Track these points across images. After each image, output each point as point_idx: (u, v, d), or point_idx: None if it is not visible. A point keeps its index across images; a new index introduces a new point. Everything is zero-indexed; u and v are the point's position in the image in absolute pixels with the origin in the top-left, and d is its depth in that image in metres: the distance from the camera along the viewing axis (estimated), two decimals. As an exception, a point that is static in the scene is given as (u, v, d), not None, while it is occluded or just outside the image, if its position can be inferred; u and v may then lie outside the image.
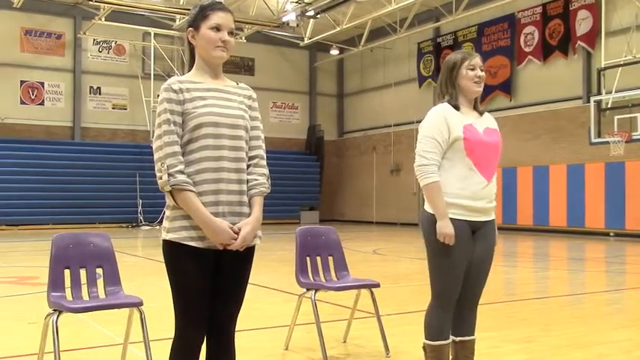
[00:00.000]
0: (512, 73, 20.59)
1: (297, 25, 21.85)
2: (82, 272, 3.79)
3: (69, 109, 23.35)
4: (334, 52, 26.50)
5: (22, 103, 22.57)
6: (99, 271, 3.85)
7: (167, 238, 2.65)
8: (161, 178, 2.56)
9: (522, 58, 20.19)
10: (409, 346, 4.69)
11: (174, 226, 2.63)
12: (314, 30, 23.56)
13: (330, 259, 4.79)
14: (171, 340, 2.70)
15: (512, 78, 20.62)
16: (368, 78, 27.12)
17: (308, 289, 4.51)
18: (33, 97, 22.75)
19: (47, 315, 3.64)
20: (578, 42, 18.48)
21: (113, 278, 3.86)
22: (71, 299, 3.70)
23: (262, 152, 2.80)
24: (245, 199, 2.71)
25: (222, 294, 2.72)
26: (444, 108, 3.40)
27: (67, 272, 3.75)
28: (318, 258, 4.74)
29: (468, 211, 3.36)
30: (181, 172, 2.57)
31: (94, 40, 23.62)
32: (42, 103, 22.90)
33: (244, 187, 2.71)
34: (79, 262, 3.77)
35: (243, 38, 23.31)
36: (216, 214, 2.60)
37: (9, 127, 22.31)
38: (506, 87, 20.65)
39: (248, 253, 2.74)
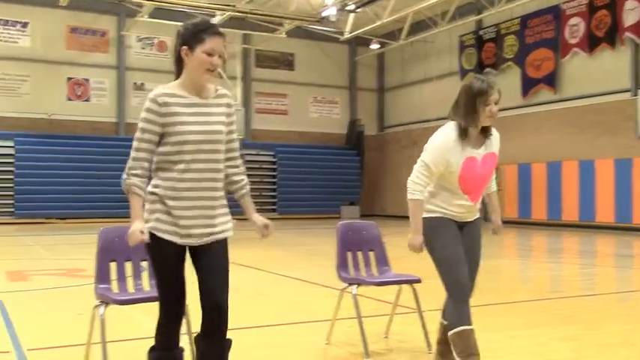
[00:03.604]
0: (556, 66, 20.14)
1: (337, 20, 21.80)
2: (128, 265, 3.87)
3: (113, 105, 23.81)
4: (374, 46, 26.36)
5: (69, 99, 23.13)
6: (144, 264, 3.92)
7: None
8: (122, 177, 2.94)
9: (567, 51, 19.73)
10: (451, 342, 4.64)
11: (151, 218, 2.97)
12: (354, 24, 23.47)
13: (372, 254, 4.78)
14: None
15: (557, 71, 20.17)
16: (409, 72, 26.90)
17: (349, 284, 4.50)
18: (79, 94, 23.27)
19: (94, 306, 3.73)
20: (626, 33, 17.97)
21: (157, 271, 3.90)
22: (117, 291, 3.79)
23: (238, 152, 3.14)
24: (217, 203, 3.01)
25: (205, 283, 2.98)
26: (449, 138, 3.62)
27: (112, 265, 3.83)
28: (359, 253, 4.73)
29: (453, 215, 3.72)
30: (137, 175, 2.90)
31: (137, 36, 24.01)
32: (88, 100, 23.40)
33: (218, 193, 3.01)
34: (125, 255, 3.84)
35: (284, 33, 23.37)
36: (192, 217, 2.93)
37: (56, 124, 22.87)
38: (551, 80, 20.22)
39: (222, 246, 3.04)
